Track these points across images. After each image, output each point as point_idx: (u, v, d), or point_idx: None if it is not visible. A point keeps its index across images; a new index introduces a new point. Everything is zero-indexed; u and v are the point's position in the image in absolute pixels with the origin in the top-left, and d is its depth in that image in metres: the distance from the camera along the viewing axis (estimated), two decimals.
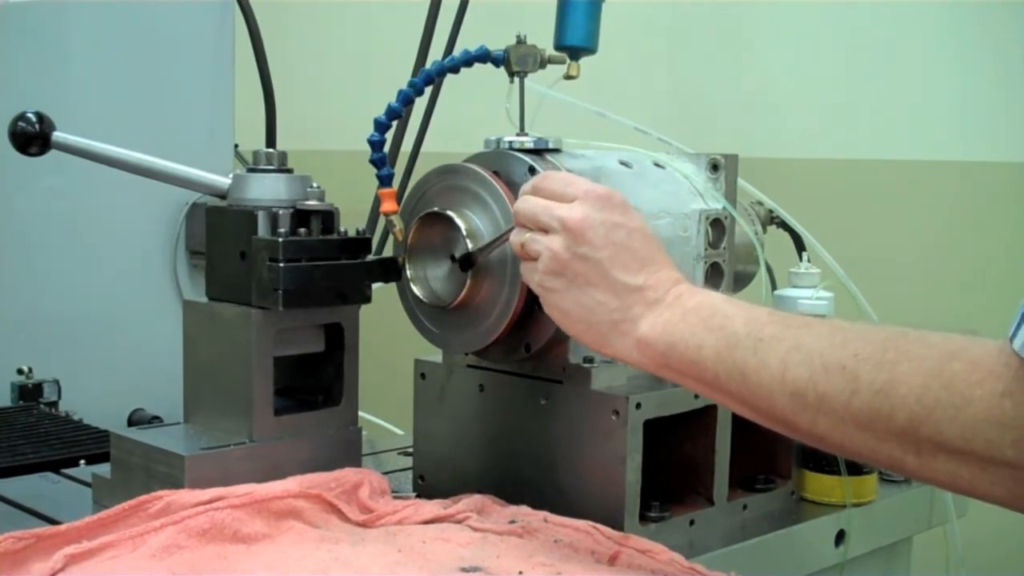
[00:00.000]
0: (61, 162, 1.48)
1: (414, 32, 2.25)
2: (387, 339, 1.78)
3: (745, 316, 1.03)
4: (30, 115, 1.39)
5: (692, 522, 1.34)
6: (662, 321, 1.08)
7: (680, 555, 1.16)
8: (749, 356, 1.00)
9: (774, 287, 1.64)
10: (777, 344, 0.99)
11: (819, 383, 0.95)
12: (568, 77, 1.44)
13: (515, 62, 1.39)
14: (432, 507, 1.28)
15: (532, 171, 1.31)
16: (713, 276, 1.44)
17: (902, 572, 1.62)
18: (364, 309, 1.39)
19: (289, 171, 1.37)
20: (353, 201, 1.57)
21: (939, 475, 0.92)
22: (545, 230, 1.14)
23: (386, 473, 1.50)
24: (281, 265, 1.28)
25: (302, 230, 1.32)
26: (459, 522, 1.25)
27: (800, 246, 1.69)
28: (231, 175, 1.40)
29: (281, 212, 1.33)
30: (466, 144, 1.43)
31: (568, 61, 1.43)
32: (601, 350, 1.14)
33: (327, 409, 1.39)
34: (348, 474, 1.30)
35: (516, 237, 1.19)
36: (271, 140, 2.32)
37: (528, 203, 1.17)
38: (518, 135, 1.37)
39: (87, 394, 2.09)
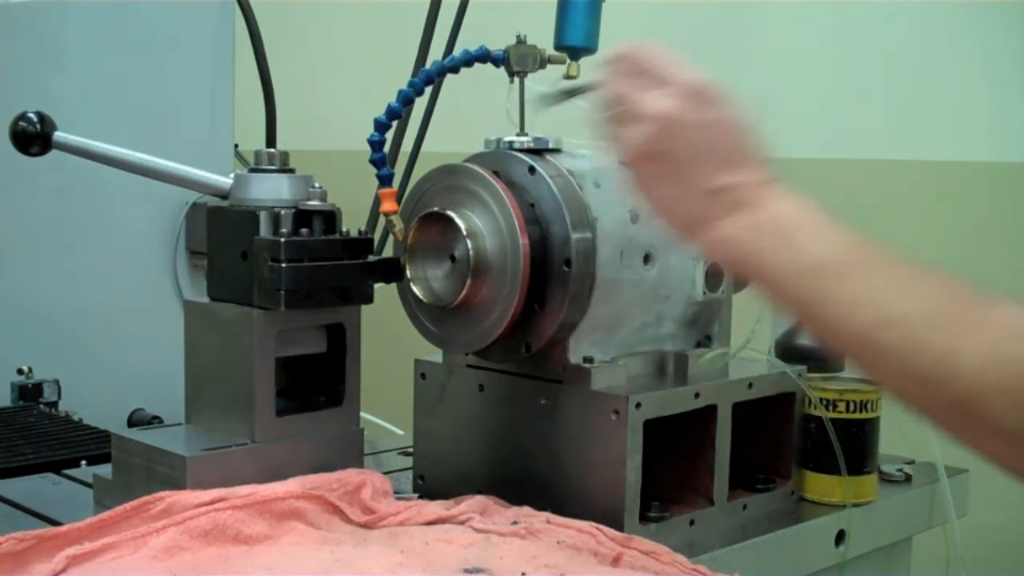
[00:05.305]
0: (61, 162, 1.48)
1: (414, 32, 2.25)
2: (387, 339, 1.78)
3: (822, 242, 0.98)
4: (31, 115, 1.39)
5: (692, 522, 1.34)
6: (736, 230, 1.02)
7: (683, 556, 1.16)
8: (818, 288, 0.96)
9: None
10: (850, 283, 0.94)
11: (881, 334, 0.91)
12: (568, 77, 1.44)
13: (515, 62, 1.39)
14: (434, 508, 1.28)
15: (532, 171, 1.31)
16: (713, 276, 1.44)
17: (902, 572, 1.62)
18: (364, 309, 1.40)
19: (291, 171, 1.37)
20: (353, 201, 1.57)
21: (986, 450, 0.89)
22: (633, 111, 1.05)
23: (386, 473, 1.50)
24: (283, 265, 1.28)
25: (304, 230, 1.32)
26: (462, 523, 1.25)
27: None
28: (232, 175, 1.40)
29: (283, 212, 1.33)
30: (466, 144, 1.43)
31: (568, 61, 1.43)
32: (667, 226, 1.08)
33: (329, 410, 1.39)
34: (350, 475, 1.30)
35: (607, 108, 1.08)
36: (271, 140, 2.32)
37: (619, 80, 1.07)
38: (518, 135, 1.37)
39: (87, 394, 2.09)
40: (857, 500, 1.46)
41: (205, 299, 1.39)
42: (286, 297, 1.29)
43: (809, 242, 0.98)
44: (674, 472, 1.38)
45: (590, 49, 1.44)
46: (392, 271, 1.37)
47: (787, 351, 1.55)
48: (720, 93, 1.06)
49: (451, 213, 1.31)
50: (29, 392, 2.05)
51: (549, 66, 1.42)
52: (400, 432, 2.06)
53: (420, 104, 2.03)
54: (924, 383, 0.90)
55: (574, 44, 1.43)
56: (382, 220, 1.39)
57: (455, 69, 1.38)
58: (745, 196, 1.02)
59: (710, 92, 1.05)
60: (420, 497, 1.38)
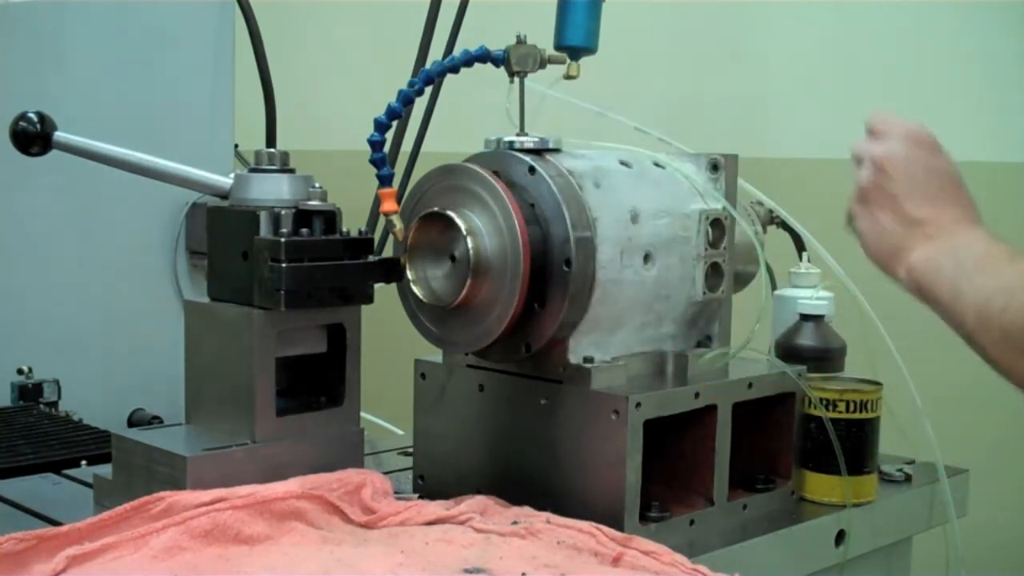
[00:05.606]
0: (61, 162, 1.48)
1: (414, 32, 2.25)
2: (387, 339, 1.78)
3: (981, 250, 1.13)
4: (31, 115, 1.39)
5: (692, 522, 1.34)
6: (920, 259, 1.17)
7: (683, 556, 1.16)
8: (963, 281, 1.11)
9: (774, 287, 1.64)
10: (980, 273, 1.10)
11: (991, 302, 1.06)
12: (568, 77, 1.45)
13: (515, 62, 1.39)
14: (435, 508, 1.28)
15: (532, 171, 1.31)
16: (713, 276, 1.44)
17: (902, 572, 1.62)
18: (364, 309, 1.40)
19: (291, 171, 1.37)
20: (353, 201, 1.57)
21: None
22: (860, 162, 1.26)
23: (386, 473, 1.50)
24: (283, 265, 1.28)
25: (304, 230, 1.32)
26: (462, 523, 1.25)
27: (800, 246, 1.69)
28: (232, 175, 1.40)
29: (283, 212, 1.33)
30: (466, 144, 1.43)
31: (568, 61, 1.43)
32: (883, 269, 1.23)
33: (329, 410, 1.39)
34: (350, 475, 1.31)
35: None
36: (271, 140, 2.32)
37: (856, 142, 1.29)
38: (518, 135, 1.37)
39: (87, 394, 2.09)
40: (857, 500, 1.47)
41: (205, 299, 1.39)
42: (286, 297, 1.29)
43: (973, 252, 1.13)
44: (674, 472, 1.38)
45: (590, 49, 1.44)
46: (392, 271, 1.37)
47: (787, 351, 1.55)
48: (933, 141, 1.24)
49: (451, 213, 1.31)
50: (29, 392, 2.05)
51: (549, 66, 1.42)
52: (400, 432, 2.06)
53: (420, 104, 2.03)
54: (1006, 334, 1.04)
55: (574, 44, 1.43)
56: (382, 220, 1.39)
57: (455, 69, 1.38)
58: (938, 231, 1.17)
59: (924, 138, 1.24)
60: (420, 497, 1.38)
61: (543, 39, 1.42)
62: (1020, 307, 1.02)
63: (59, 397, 2.07)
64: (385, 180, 1.35)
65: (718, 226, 1.44)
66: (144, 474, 1.32)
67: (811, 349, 1.56)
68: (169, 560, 1.12)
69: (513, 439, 1.38)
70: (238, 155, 2.43)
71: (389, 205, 1.35)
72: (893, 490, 1.56)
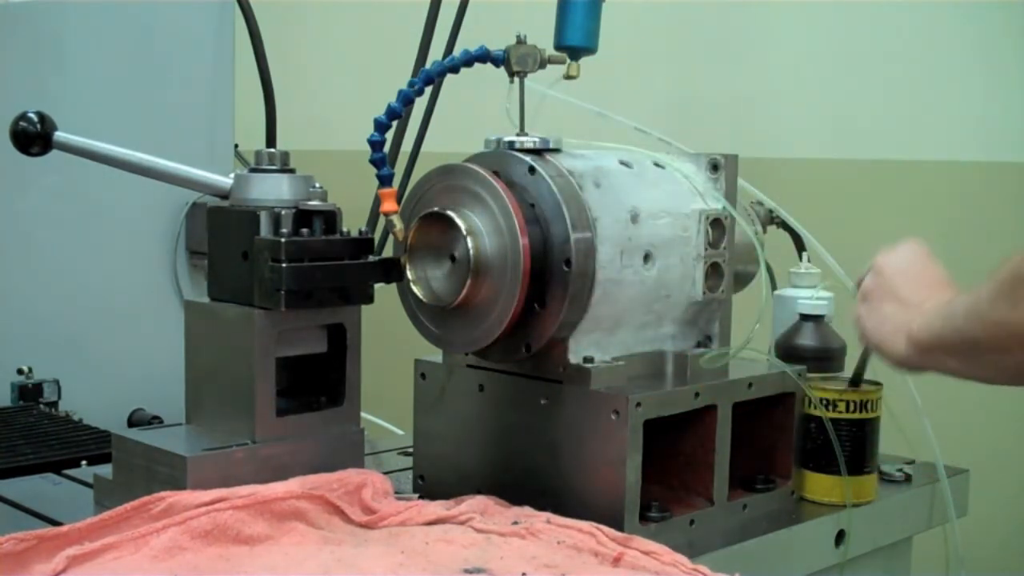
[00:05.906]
0: (61, 162, 1.48)
1: (414, 32, 2.25)
2: (387, 339, 1.78)
3: (965, 295, 1.22)
4: (31, 115, 1.39)
5: (692, 522, 1.34)
6: (918, 328, 1.26)
7: (683, 556, 1.16)
8: (952, 307, 1.21)
9: (774, 287, 1.64)
10: (968, 298, 1.18)
11: (979, 296, 1.14)
12: (568, 77, 1.45)
13: (515, 62, 1.39)
14: (435, 508, 1.28)
15: (532, 171, 1.31)
16: (713, 276, 1.44)
17: (902, 572, 1.62)
18: (364, 309, 1.40)
19: (291, 171, 1.37)
20: (353, 201, 1.57)
21: None
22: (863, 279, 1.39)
23: (386, 473, 1.50)
24: (283, 265, 1.28)
25: (304, 230, 1.32)
26: (462, 523, 1.25)
27: (800, 246, 1.69)
28: (232, 175, 1.40)
29: (283, 212, 1.33)
30: (466, 144, 1.43)
31: (568, 61, 1.43)
32: (887, 352, 1.30)
33: (329, 410, 1.39)
34: (351, 475, 1.31)
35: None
36: (271, 140, 2.32)
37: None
38: (518, 135, 1.37)
39: (87, 394, 2.10)
40: (857, 500, 1.47)
41: (205, 299, 1.39)
42: (286, 297, 1.29)
43: (952, 299, 1.24)
44: (674, 472, 1.38)
45: (590, 49, 1.44)
46: (392, 271, 1.37)
47: (787, 351, 1.55)
48: (926, 251, 1.37)
49: (451, 213, 1.31)
50: (29, 392, 2.05)
51: (549, 66, 1.42)
52: (400, 432, 2.06)
53: (420, 104, 2.03)
54: (998, 289, 1.11)
55: (574, 44, 1.43)
56: (382, 220, 1.39)
57: (455, 69, 1.38)
58: (931, 308, 1.27)
59: (918, 248, 1.37)
60: (420, 497, 1.38)
61: (543, 39, 1.42)
62: (1006, 272, 1.08)
63: (59, 397, 2.07)
64: (385, 180, 1.35)
65: (718, 226, 1.44)
66: (144, 474, 1.32)
67: (811, 349, 1.56)
68: (169, 560, 1.12)
69: (513, 439, 1.38)
70: (238, 155, 2.43)
71: (389, 205, 1.35)
72: (893, 490, 1.56)
